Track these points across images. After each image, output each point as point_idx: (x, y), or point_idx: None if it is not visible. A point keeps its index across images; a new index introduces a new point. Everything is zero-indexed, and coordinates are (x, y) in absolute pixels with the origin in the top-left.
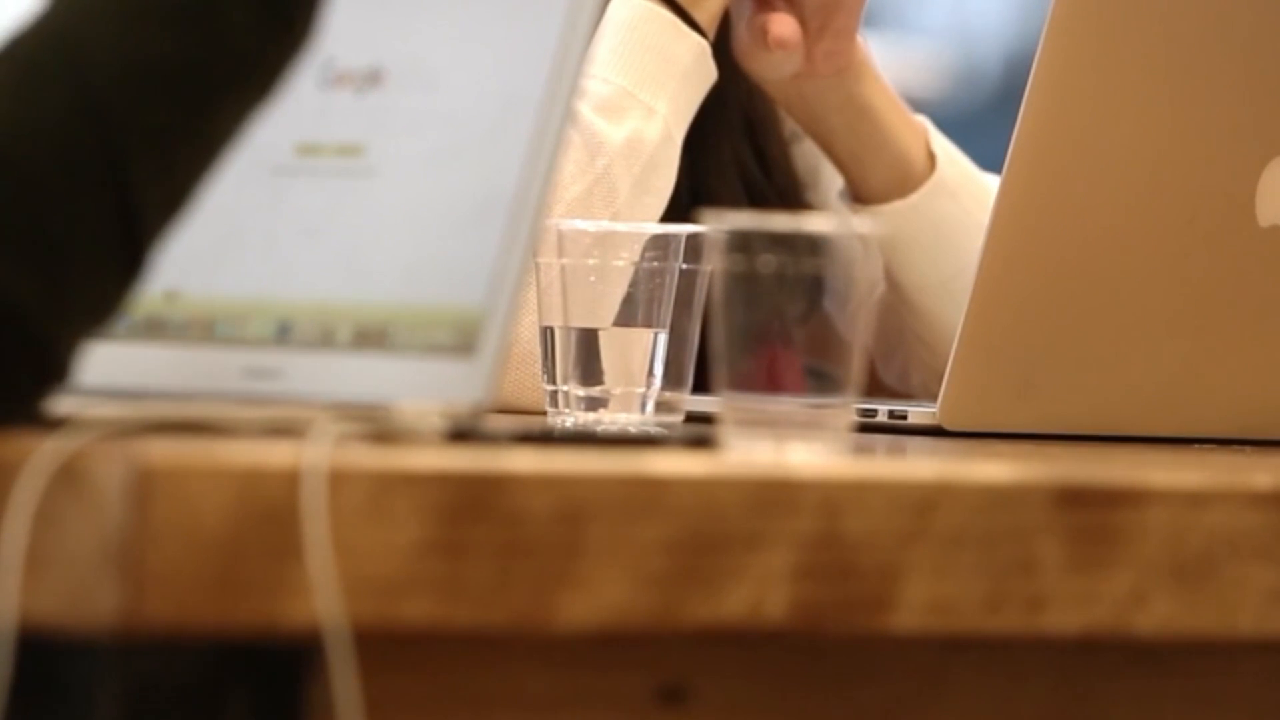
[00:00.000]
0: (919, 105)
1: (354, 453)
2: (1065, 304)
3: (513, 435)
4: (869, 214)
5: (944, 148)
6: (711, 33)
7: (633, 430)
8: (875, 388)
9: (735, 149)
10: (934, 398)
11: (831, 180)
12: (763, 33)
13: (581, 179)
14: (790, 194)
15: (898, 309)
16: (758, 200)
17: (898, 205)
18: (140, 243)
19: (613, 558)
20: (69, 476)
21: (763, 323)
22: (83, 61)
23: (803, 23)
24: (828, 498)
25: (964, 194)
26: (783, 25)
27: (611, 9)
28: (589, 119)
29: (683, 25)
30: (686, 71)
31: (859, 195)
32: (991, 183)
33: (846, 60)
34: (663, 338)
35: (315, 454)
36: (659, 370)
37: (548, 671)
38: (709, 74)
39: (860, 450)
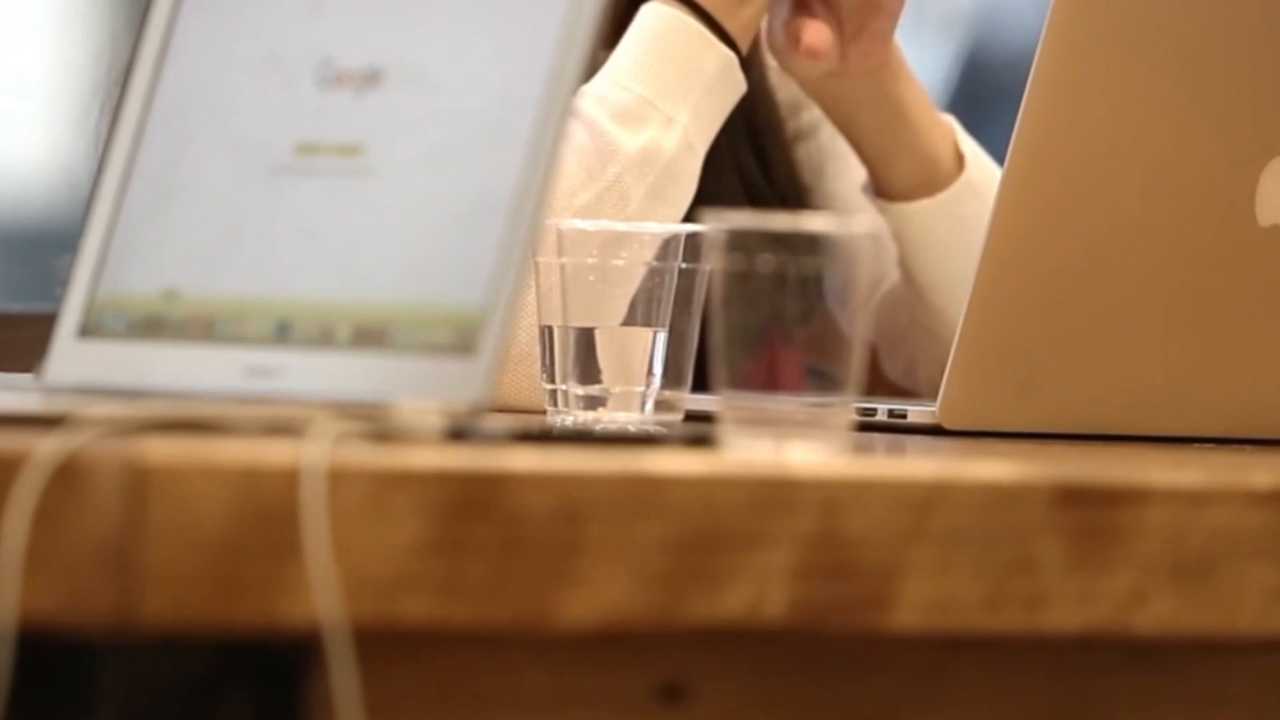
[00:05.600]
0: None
1: (353, 452)
2: (1065, 303)
3: (512, 434)
4: (893, 210)
5: (972, 149)
6: (745, 42)
7: (632, 429)
8: (879, 381)
9: (736, 152)
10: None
11: (836, 176)
12: (796, 39)
13: (591, 185)
14: (791, 197)
15: (910, 302)
16: (758, 203)
17: (924, 203)
18: None
19: (612, 557)
20: (68, 475)
21: (762, 322)
22: None
23: (840, 23)
24: (827, 497)
25: (991, 195)
26: (816, 34)
27: (640, 17)
28: (605, 126)
29: (711, 36)
30: (711, 83)
31: (883, 191)
32: None
33: (881, 60)
34: (662, 336)
35: (314, 453)
36: (658, 369)
37: (547, 670)
38: (736, 85)
39: (860, 449)
